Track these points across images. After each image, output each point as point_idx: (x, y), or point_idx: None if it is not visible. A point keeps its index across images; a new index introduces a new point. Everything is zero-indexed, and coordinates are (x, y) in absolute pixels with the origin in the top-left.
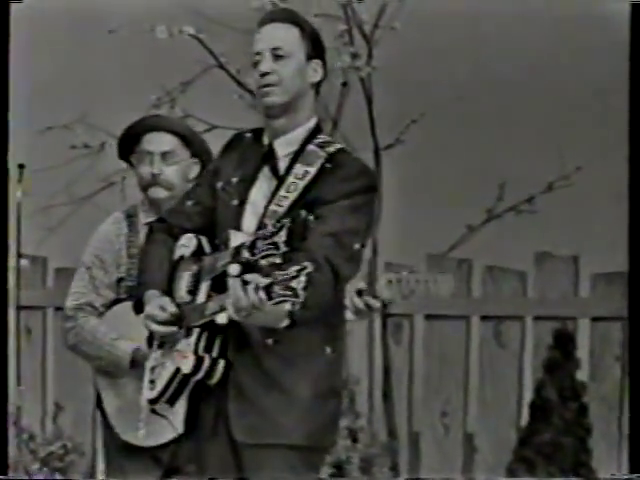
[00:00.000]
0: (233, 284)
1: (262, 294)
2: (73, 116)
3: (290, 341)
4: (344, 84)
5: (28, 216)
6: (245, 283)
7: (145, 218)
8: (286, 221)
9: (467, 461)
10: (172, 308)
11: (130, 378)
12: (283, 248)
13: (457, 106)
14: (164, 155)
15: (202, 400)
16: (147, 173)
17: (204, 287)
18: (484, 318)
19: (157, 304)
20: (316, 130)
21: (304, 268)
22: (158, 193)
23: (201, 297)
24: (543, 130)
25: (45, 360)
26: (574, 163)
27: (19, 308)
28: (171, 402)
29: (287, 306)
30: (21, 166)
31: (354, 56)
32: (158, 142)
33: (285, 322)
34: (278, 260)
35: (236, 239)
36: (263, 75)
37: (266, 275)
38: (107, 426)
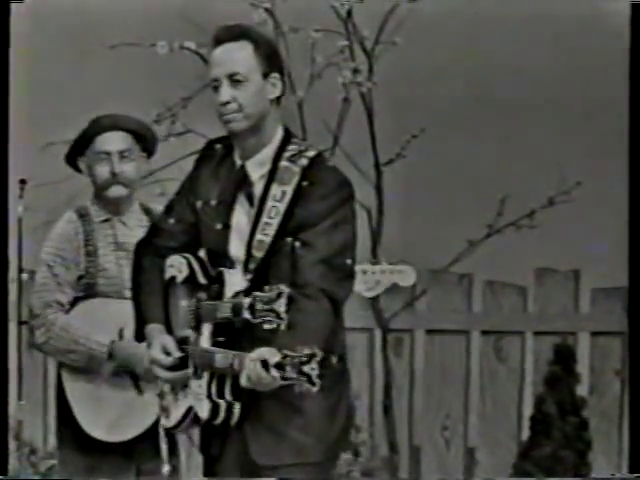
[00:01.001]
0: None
1: (275, 372)
2: (73, 132)
3: None
4: (345, 99)
5: (30, 231)
6: (263, 363)
7: (98, 217)
8: (284, 288)
9: (468, 475)
10: (176, 352)
11: (100, 373)
12: (284, 317)
13: (457, 121)
14: (121, 153)
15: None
16: (105, 173)
17: (206, 331)
18: (484, 333)
19: (160, 346)
20: (285, 141)
21: (314, 355)
22: (119, 191)
23: (205, 340)
24: (543, 145)
25: (47, 374)
26: (574, 178)
27: (20, 323)
28: (187, 430)
29: (302, 389)
30: (22, 181)
31: (355, 71)
32: (114, 141)
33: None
34: (282, 327)
35: (231, 280)
36: (223, 104)
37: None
38: (68, 423)
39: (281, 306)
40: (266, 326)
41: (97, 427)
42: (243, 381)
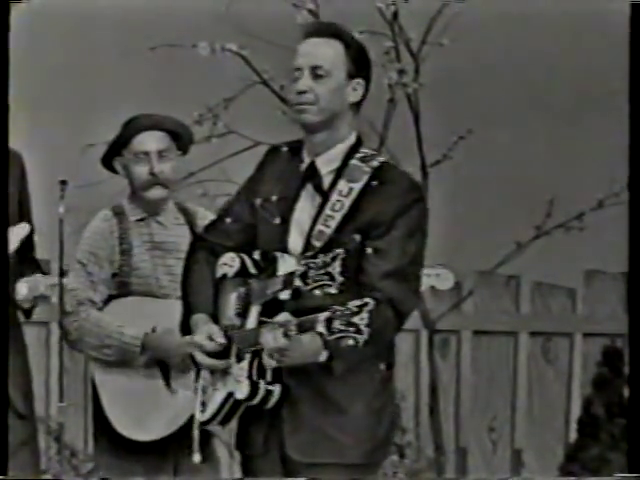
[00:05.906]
0: (263, 330)
1: (322, 328)
2: (114, 133)
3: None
4: (391, 100)
5: (72, 232)
6: (281, 326)
7: (133, 216)
8: (340, 251)
9: (514, 476)
10: (220, 339)
11: (134, 370)
12: (339, 279)
13: (504, 122)
14: (160, 153)
15: (254, 417)
16: (144, 173)
17: (254, 312)
18: (532, 334)
19: (206, 333)
20: (357, 144)
21: (365, 304)
22: (159, 193)
23: (252, 322)
24: (592, 146)
25: (87, 377)
26: (624, 180)
27: (62, 323)
28: (223, 424)
29: (350, 342)
30: (63, 182)
31: (401, 72)
32: (153, 141)
33: (323, 355)
34: (333, 290)
35: (284, 263)
36: (300, 93)
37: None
38: (103, 425)
39: (336, 268)
40: (317, 292)
41: (129, 427)
42: (265, 353)
